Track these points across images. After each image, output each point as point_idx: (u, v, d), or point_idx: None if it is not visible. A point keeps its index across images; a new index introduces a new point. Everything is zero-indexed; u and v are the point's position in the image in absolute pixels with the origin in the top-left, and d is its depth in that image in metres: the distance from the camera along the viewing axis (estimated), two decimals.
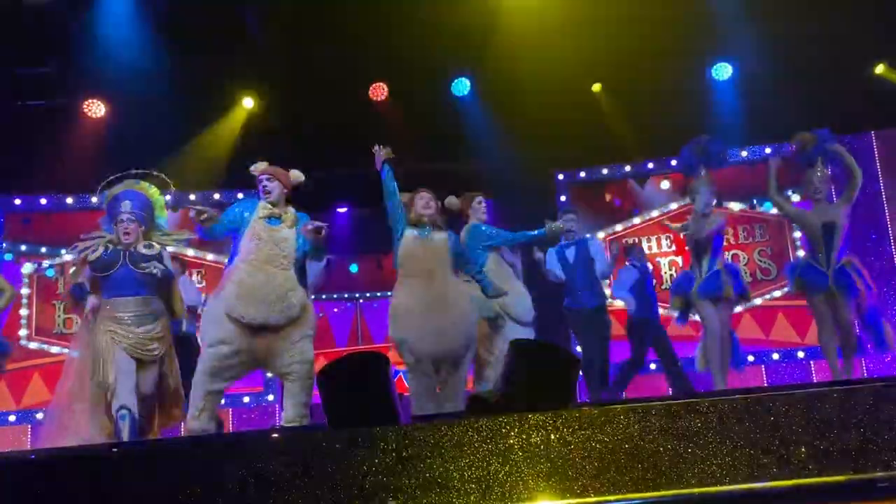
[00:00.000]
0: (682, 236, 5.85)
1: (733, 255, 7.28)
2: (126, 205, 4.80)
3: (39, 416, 6.57)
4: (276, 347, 4.36)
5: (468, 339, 4.74)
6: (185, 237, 5.33)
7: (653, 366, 7.15)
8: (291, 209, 4.67)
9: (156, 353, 4.68)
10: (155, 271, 4.69)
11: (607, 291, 6.49)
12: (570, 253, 6.03)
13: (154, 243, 4.85)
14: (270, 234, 4.49)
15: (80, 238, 4.94)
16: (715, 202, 5.73)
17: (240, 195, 6.84)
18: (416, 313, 4.68)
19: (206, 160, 7.59)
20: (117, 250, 4.75)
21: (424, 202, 4.93)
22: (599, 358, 5.87)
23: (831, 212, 5.42)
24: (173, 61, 7.35)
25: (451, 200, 5.31)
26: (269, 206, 4.61)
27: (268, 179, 4.63)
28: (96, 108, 7.41)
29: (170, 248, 5.15)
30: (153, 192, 4.97)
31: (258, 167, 4.73)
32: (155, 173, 5.06)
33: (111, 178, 5.00)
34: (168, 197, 5.19)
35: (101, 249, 4.75)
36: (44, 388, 6.73)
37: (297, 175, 4.74)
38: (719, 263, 5.61)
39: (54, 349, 6.99)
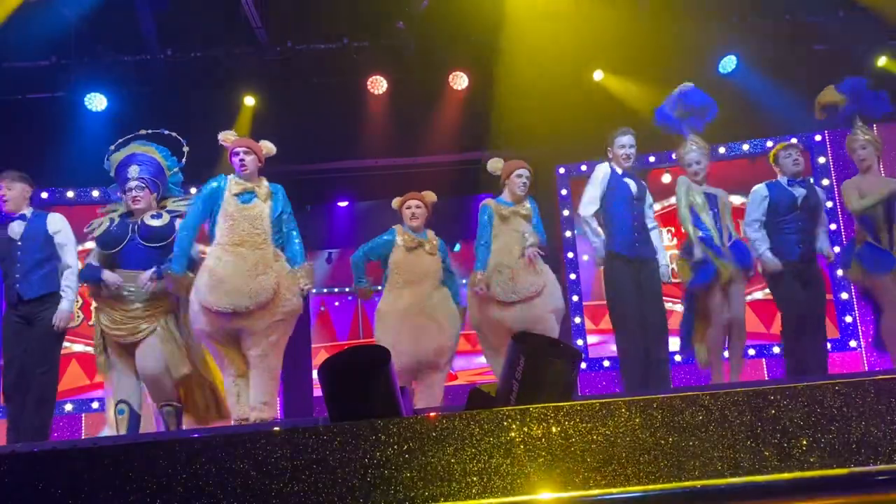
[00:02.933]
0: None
1: None
2: (133, 170, 4.45)
3: None
4: (249, 329, 4.35)
5: (446, 347, 4.85)
6: None
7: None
8: (265, 182, 4.55)
9: (139, 334, 4.31)
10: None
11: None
12: (632, 185, 5.00)
13: (163, 213, 4.50)
14: (243, 212, 4.41)
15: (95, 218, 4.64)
16: (705, 162, 5.03)
17: None
18: (397, 317, 4.83)
19: (204, 155, 7.58)
20: (125, 223, 4.43)
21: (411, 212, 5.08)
22: (663, 322, 4.95)
23: (890, 182, 4.85)
24: (174, 55, 7.36)
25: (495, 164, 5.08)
26: (242, 181, 4.51)
27: (245, 152, 4.46)
28: (98, 102, 7.40)
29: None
30: (162, 157, 4.60)
31: (228, 137, 4.54)
32: (166, 132, 4.74)
33: (119, 141, 4.65)
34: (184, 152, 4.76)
35: (106, 223, 4.45)
36: None
37: (269, 147, 4.58)
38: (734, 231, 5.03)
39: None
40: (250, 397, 4.37)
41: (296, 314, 4.52)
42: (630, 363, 4.87)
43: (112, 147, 4.65)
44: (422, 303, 4.81)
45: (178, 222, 4.51)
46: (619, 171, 5.05)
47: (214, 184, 4.51)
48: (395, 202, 5.20)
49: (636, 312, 4.85)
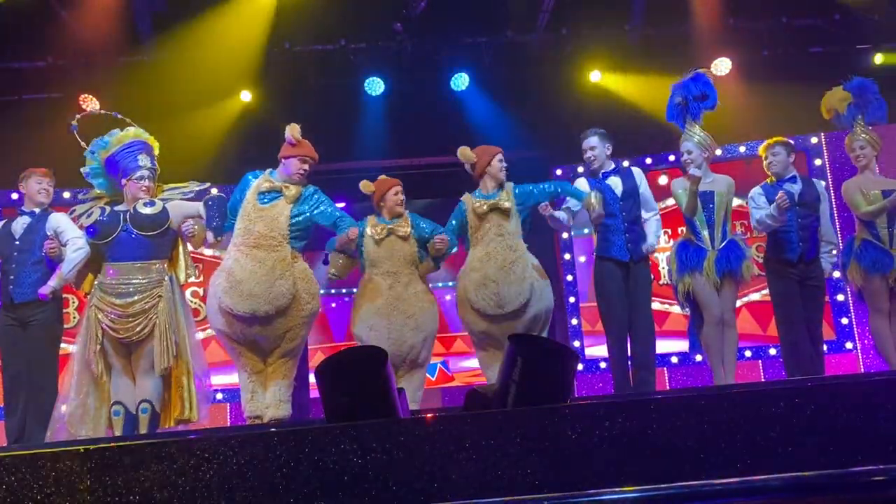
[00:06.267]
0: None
1: None
2: (144, 159, 4.36)
3: None
4: (269, 335, 4.36)
5: (424, 340, 4.71)
6: (195, 188, 4.63)
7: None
8: (300, 187, 4.52)
9: (140, 330, 4.16)
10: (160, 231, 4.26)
11: None
12: (616, 184, 4.92)
13: (156, 200, 4.37)
14: (260, 213, 4.39)
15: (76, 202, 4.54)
16: (706, 155, 4.92)
17: None
18: (373, 314, 4.67)
19: (201, 155, 7.58)
20: (116, 212, 4.32)
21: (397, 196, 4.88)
22: (650, 327, 4.89)
23: (889, 180, 4.90)
24: (170, 57, 7.36)
25: (465, 152, 4.86)
26: (274, 180, 4.47)
27: (311, 164, 4.54)
28: (92, 104, 7.39)
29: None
30: (156, 144, 4.50)
31: (295, 131, 4.48)
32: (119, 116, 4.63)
33: (78, 116, 4.53)
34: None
35: (97, 212, 4.33)
36: None
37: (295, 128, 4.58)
38: (730, 231, 4.96)
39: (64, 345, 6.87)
40: (268, 395, 4.38)
41: (315, 315, 4.53)
42: (617, 365, 4.88)
43: (77, 117, 4.58)
44: (396, 299, 4.68)
45: (170, 207, 4.39)
46: (599, 174, 4.99)
47: (251, 178, 4.52)
48: (370, 187, 4.97)
49: (624, 314, 4.85)
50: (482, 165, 4.88)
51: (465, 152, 4.87)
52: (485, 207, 4.78)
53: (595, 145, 4.99)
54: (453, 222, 4.91)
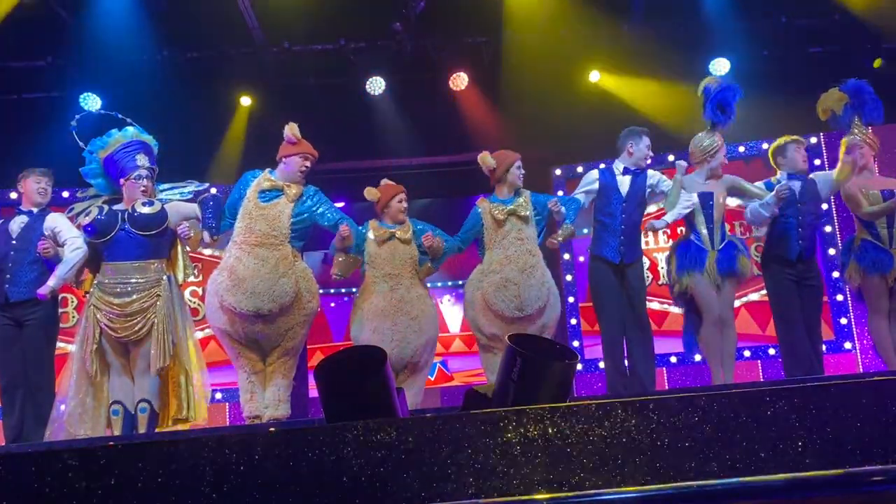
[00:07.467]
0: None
1: None
2: (143, 158, 4.36)
3: None
4: (270, 333, 4.38)
5: (426, 343, 4.71)
6: (192, 188, 4.63)
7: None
8: (300, 185, 4.55)
9: (138, 329, 4.16)
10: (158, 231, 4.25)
11: None
12: (623, 183, 4.99)
13: (155, 200, 4.39)
14: (261, 211, 4.41)
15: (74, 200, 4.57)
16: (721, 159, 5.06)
17: None
18: (375, 317, 4.67)
19: (200, 156, 7.57)
20: (114, 211, 4.32)
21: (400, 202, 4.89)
22: (646, 328, 4.92)
23: (888, 179, 4.95)
24: (170, 56, 7.35)
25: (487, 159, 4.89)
26: (275, 179, 4.49)
27: (312, 161, 4.56)
28: (92, 102, 7.39)
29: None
30: (154, 144, 4.52)
31: (294, 130, 4.51)
32: (119, 116, 4.60)
33: (78, 116, 4.53)
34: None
35: (95, 211, 4.34)
36: None
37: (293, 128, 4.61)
38: (727, 233, 5.01)
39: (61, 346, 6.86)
40: (266, 395, 4.39)
41: (314, 314, 4.56)
42: (610, 363, 4.91)
43: (78, 118, 4.56)
44: (400, 301, 4.68)
45: (168, 208, 4.41)
46: (619, 169, 5.02)
47: (251, 177, 4.55)
48: (375, 194, 4.94)
49: (618, 313, 4.88)
50: (501, 171, 4.92)
51: (485, 158, 4.93)
52: (504, 214, 4.81)
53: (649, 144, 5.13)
54: (469, 224, 4.94)
